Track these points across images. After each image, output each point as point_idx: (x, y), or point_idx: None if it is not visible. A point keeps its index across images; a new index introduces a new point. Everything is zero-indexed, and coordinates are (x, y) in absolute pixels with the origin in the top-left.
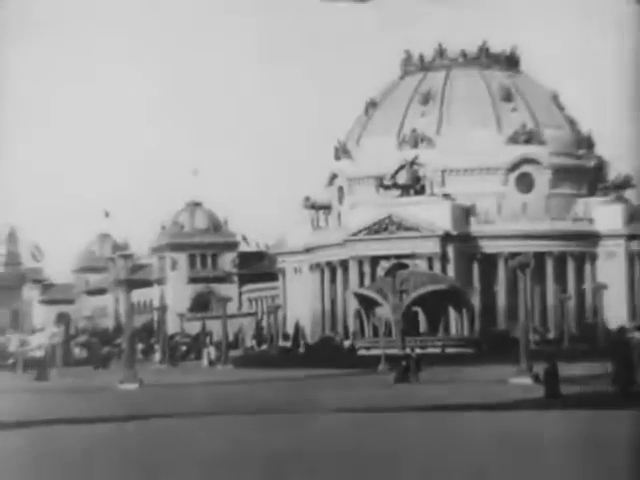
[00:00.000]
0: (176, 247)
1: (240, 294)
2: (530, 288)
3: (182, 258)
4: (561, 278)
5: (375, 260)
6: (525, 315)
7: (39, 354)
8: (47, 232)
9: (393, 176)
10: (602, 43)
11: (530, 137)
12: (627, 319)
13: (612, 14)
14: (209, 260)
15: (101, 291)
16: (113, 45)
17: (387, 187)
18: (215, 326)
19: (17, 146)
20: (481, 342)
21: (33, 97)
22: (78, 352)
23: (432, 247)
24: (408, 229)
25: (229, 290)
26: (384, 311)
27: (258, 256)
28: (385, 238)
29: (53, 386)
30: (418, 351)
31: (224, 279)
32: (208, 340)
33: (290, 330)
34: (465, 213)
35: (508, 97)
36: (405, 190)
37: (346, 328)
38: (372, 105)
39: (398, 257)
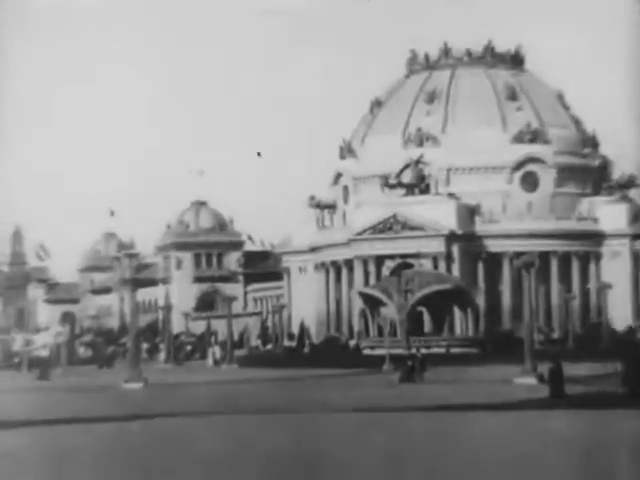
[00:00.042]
0: (181, 246)
1: (245, 293)
2: (535, 288)
3: (187, 257)
4: (566, 278)
5: (380, 259)
6: (530, 315)
7: (44, 353)
8: (52, 231)
9: (398, 175)
10: (607, 42)
11: (535, 136)
12: (632, 319)
13: (617, 13)
14: (214, 259)
15: (106, 290)
16: (114, 45)
17: (392, 186)
18: (220, 325)
19: (21, 146)
20: (486, 342)
21: (36, 97)
22: (83, 351)
23: (437, 246)
24: (413, 228)
25: (234, 289)
26: (389, 311)
27: (263, 255)
28: (390, 237)
29: (57, 385)
30: (423, 351)
31: (229, 278)
32: (213, 339)
33: (295, 330)
34: (470, 212)
35: (513, 96)
36: (410, 189)
37: (351, 328)
38: (377, 104)
39: (403, 256)
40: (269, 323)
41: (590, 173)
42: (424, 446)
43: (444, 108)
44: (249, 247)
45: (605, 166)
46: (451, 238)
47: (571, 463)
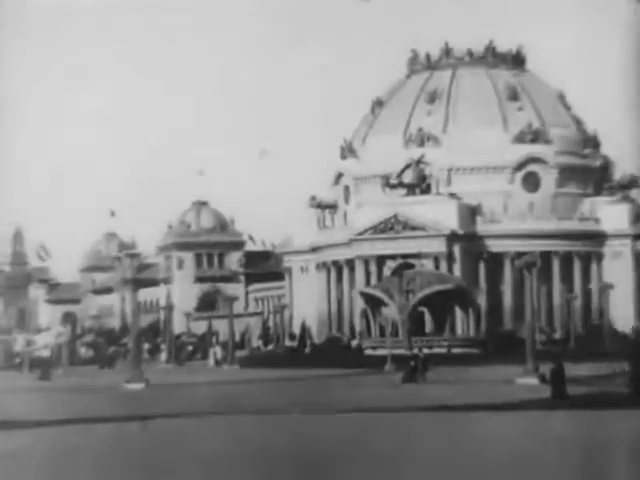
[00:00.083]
0: (182, 246)
1: (246, 293)
2: (536, 288)
3: (189, 257)
4: (567, 278)
5: (381, 259)
6: (531, 315)
7: (45, 354)
8: (53, 231)
9: (399, 175)
10: (608, 42)
11: (536, 136)
12: (634, 319)
13: (618, 13)
14: (215, 259)
15: (107, 290)
16: (114, 45)
17: (393, 186)
18: (221, 326)
19: (22, 146)
20: (487, 342)
21: (36, 97)
22: (84, 351)
23: (438, 246)
24: (414, 228)
25: (235, 289)
26: (390, 311)
27: (264, 255)
28: (391, 237)
29: (58, 386)
30: (425, 351)
31: (230, 278)
32: (214, 340)
33: (296, 330)
34: (471, 212)
35: (514, 96)
36: (411, 189)
37: (352, 328)
38: (378, 104)
39: (404, 256)
40: (270, 323)
41: (591, 173)
42: (426, 446)
43: (445, 108)
44: (250, 247)
45: (606, 166)
46: (452, 238)
47: (572, 463)
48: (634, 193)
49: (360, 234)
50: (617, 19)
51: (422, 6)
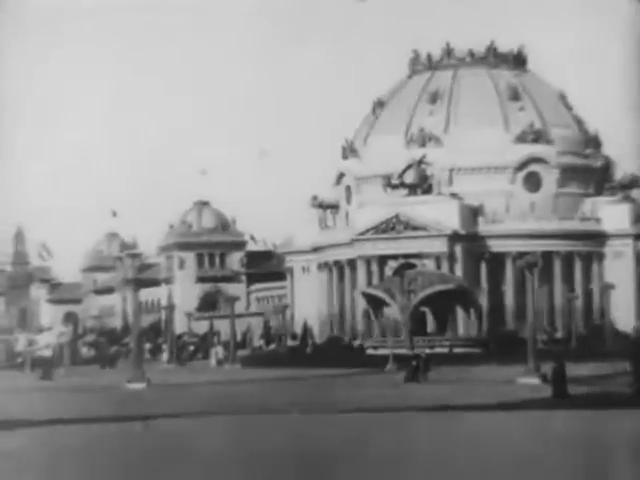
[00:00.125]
0: (184, 246)
1: (248, 293)
2: (538, 288)
3: (190, 257)
4: (569, 278)
5: (383, 259)
6: (533, 315)
7: (47, 353)
8: (54, 231)
9: (401, 175)
10: (609, 42)
11: (538, 136)
12: (635, 319)
13: (619, 13)
14: (217, 259)
15: (109, 290)
16: (115, 45)
17: (395, 186)
18: (223, 325)
19: (22, 146)
20: (489, 342)
21: (37, 97)
22: (86, 351)
23: (440, 246)
24: (416, 228)
25: (237, 289)
26: (392, 311)
27: (266, 255)
28: (393, 237)
29: (60, 385)
30: (427, 351)
31: (232, 278)
32: (216, 339)
33: (298, 330)
34: (473, 212)
35: (515, 96)
36: (413, 189)
37: (354, 328)
38: (380, 104)
39: (406, 256)
40: (272, 323)
41: (593, 173)
42: (427, 446)
43: (446, 108)
44: (252, 247)
45: (607, 166)
46: (454, 238)
47: (573, 463)
48: (635, 193)
49: (362, 234)
50: (618, 19)
51: (423, 6)
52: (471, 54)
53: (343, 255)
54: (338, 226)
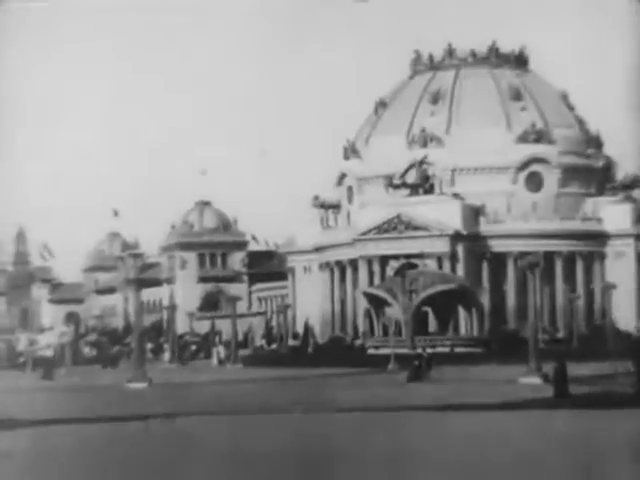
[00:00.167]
0: (185, 246)
1: (250, 293)
2: (539, 287)
3: (191, 257)
4: (570, 278)
5: (384, 259)
6: (534, 315)
7: (48, 353)
8: (56, 231)
9: (402, 175)
10: (611, 42)
11: (539, 136)
12: (636, 318)
13: (620, 13)
14: (219, 259)
15: (110, 290)
16: (116, 45)
17: (396, 186)
18: (224, 325)
19: (23, 146)
20: (490, 341)
21: (38, 97)
22: (87, 351)
23: (442, 246)
24: (417, 228)
25: (238, 289)
26: (394, 311)
27: (268, 255)
28: (394, 238)
29: (61, 385)
30: (428, 350)
31: (234, 278)
32: (217, 339)
33: (300, 329)
34: (474, 212)
35: (517, 96)
36: (414, 189)
37: (356, 328)
38: (381, 105)
39: (408, 257)
40: (273, 323)
41: (594, 173)
42: (429, 445)
43: (448, 108)
44: (253, 247)
45: (609, 166)
46: (456, 238)
47: (575, 462)
48: (636, 193)
49: (363, 234)
50: (619, 19)
51: (424, 6)
52: (473, 54)
53: (345, 255)
54: (340, 226)
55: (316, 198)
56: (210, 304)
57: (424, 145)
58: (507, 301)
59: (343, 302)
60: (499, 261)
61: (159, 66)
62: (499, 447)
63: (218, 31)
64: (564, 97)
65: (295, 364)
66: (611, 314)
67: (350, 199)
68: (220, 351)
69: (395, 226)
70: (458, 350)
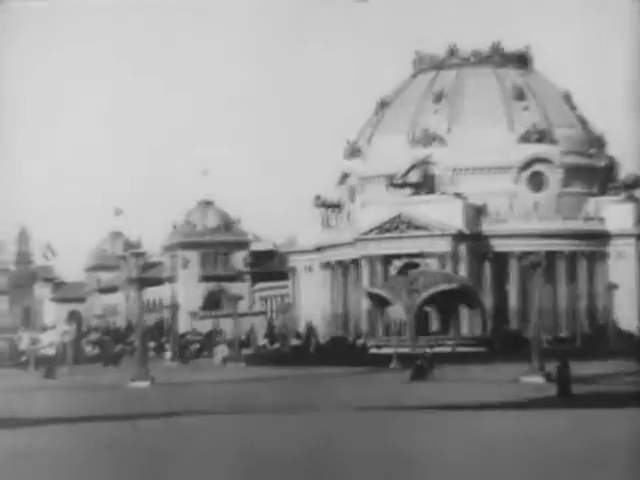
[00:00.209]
0: (188, 245)
1: (252, 292)
2: (541, 287)
3: (194, 256)
4: (572, 277)
5: (386, 259)
6: (537, 314)
7: (50, 352)
8: (58, 230)
9: (404, 175)
10: (612, 42)
11: (542, 136)
12: (638, 318)
13: (622, 13)
14: (221, 258)
15: (113, 289)
16: (117, 45)
17: (398, 186)
18: (227, 324)
19: (25, 145)
20: (493, 341)
21: (40, 97)
22: (90, 350)
23: (444, 246)
24: (419, 228)
25: (241, 288)
26: (396, 310)
27: (270, 255)
28: (396, 237)
29: (63, 384)
30: (428, 350)
31: (236, 278)
32: (220, 338)
33: (302, 329)
34: (477, 212)
35: (520, 96)
36: (416, 189)
37: (358, 327)
38: (384, 104)
39: (410, 256)
40: (276, 322)
41: (596, 173)
42: (431, 444)
43: (451, 108)
44: (256, 246)
45: (611, 166)
46: (458, 238)
47: (578, 462)
48: (639, 193)
49: (365, 234)
50: (621, 19)
51: (428, 6)
52: (475, 54)
53: (346, 255)
54: (341, 226)
55: (317, 198)
56: (212, 303)
57: (426, 144)
58: (509, 301)
59: (345, 301)
60: (501, 261)
61: (159, 66)
62: (501, 446)
63: (218, 31)
64: (567, 97)
65: (297, 363)
66: (613, 314)
67: (352, 198)
68: (223, 350)
69: (397, 226)
70: (461, 349)
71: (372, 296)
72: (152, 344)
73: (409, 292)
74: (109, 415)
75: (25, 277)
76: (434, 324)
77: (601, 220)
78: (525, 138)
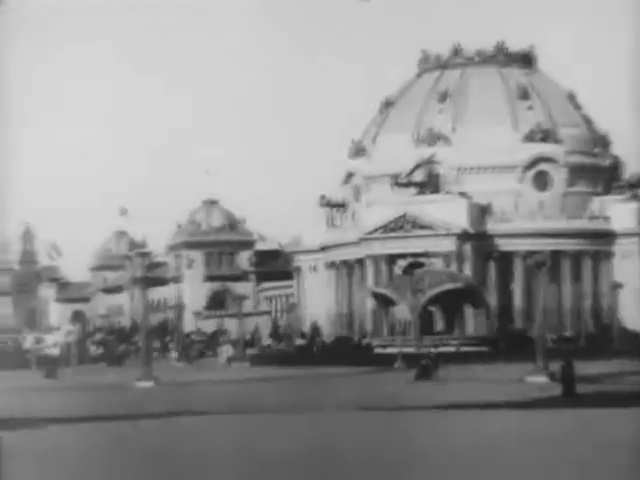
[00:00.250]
0: (192, 245)
1: (257, 292)
2: (546, 286)
3: (198, 256)
4: (577, 277)
5: (391, 258)
6: (541, 313)
7: (54, 352)
8: (63, 230)
9: (409, 174)
10: (617, 42)
11: (546, 135)
12: None
13: (627, 13)
14: (225, 258)
15: (117, 289)
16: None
17: (403, 185)
18: (231, 324)
19: (30, 145)
20: (498, 340)
21: (44, 96)
22: (94, 350)
23: (449, 245)
24: (424, 227)
25: (245, 288)
26: (401, 310)
27: (274, 254)
28: (401, 236)
29: (66, 384)
30: (432, 350)
31: (240, 277)
32: (225, 338)
33: (307, 328)
34: (481, 211)
35: (524, 95)
36: (421, 188)
37: (362, 327)
38: (388, 103)
39: (414, 255)
40: (280, 322)
41: (601, 172)
42: (436, 444)
43: (455, 107)
44: (260, 246)
45: (616, 165)
46: (463, 237)
47: (582, 461)
48: None
49: (370, 233)
50: (626, 19)
51: (432, 6)
52: (480, 53)
53: (351, 254)
54: (346, 225)
55: (322, 197)
56: (217, 303)
57: (431, 144)
58: (514, 300)
59: (350, 301)
60: (506, 260)
61: (159, 66)
62: (506, 446)
63: (218, 31)
64: (571, 96)
65: (302, 363)
66: (618, 313)
67: (357, 198)
68: (228, 349)
69: (402, 225)
70: (466, 349)
71: (377, 296)
72: (157, 344)
73: (414, 292)
74: (112, 415)
75: (30, 277)
76: (439, 324)
77: (606, 219)
78: (530, 137)
